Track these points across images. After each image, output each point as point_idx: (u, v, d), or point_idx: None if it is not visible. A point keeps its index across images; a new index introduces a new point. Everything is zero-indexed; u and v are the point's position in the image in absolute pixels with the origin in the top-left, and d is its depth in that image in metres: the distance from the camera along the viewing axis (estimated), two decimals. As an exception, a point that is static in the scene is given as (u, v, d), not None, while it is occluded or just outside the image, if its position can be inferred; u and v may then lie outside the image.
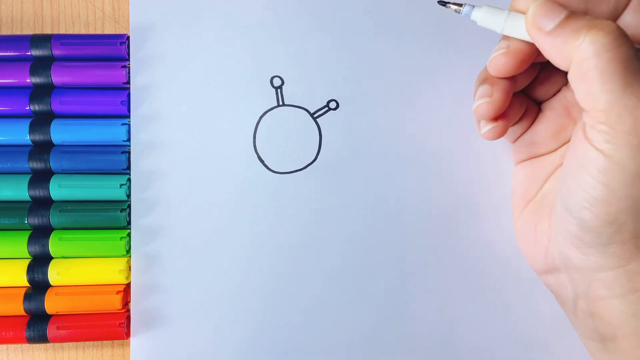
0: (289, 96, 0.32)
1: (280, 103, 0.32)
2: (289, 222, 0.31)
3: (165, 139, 0.31)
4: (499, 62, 0.25)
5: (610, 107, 0.21)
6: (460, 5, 0.24)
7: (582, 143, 0.22)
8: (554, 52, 0.22)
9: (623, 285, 0.23)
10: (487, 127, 0.27)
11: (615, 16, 0.24)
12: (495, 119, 0.27)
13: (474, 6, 0.24)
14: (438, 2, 0.25)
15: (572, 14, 0.22)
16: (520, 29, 0.23)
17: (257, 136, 0.32)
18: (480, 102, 0.26)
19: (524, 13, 0.23)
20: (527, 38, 0.23)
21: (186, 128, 0.31)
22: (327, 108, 0.32)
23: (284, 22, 0.32)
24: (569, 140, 0.28)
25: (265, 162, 0.31)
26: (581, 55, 0.21)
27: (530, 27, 0.23)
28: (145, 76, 0.31)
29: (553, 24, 0.22)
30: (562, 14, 0.22)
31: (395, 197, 0.31)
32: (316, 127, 0.32)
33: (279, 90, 0.32)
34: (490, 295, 0.31)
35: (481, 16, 0.24)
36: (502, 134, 0.27)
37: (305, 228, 0.31)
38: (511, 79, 0.26)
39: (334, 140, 0.32)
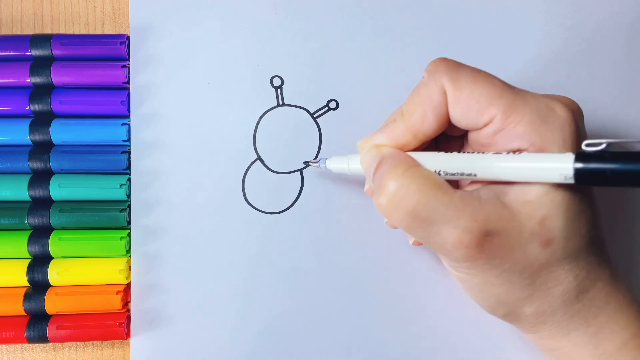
0: (289, 96, 0.32)
1: (280, 103, 0.32)
2: (288, 221, 0.31)
3: (165, 139, 0.31)
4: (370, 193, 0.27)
5: (429, 245, 0.23)
6: (317, 161, 0.29)
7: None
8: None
9: (541, 346, 0.25)
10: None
11: (441, 120, 0.24)
12: None
13: (326, 159, 0.29)
14: (303, 162, 0.31)
15: (377, 169, 0.24)
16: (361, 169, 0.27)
17: (257, 136, 0.32)
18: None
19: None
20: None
21: (186, 128, 0.31)
22: (327, 108, 0.32)
23: (284, 22, 0.32)
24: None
25: (265, 162, 0.31)
26: (383, 214, 0.23)
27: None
28: (145, 76, 0.31)
29: (370, 174, 0.24)
30: (373, 165, 0.24)
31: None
32: (316, 127, 0.32)
33: (279, 90, 0.32)
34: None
35: (331, 165, 0.28)
36: None
37: (305, 227, 0.31)
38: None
39: (334, 140, 0.32)
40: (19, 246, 0.30)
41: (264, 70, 0.32)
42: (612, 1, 0.33)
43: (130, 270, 0.31)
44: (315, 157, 0.31)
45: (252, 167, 0.31)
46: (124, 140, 0.31)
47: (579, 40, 0.32)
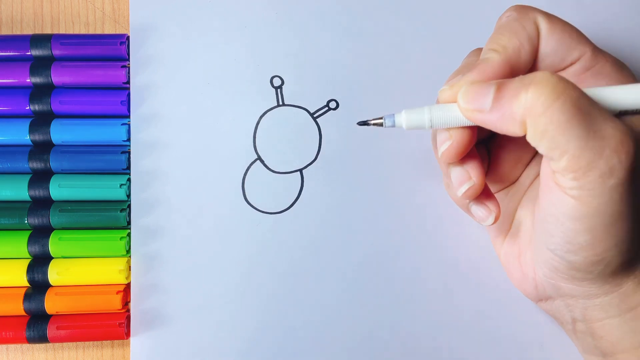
0: (289, 96, 0.32)
1: (280, 103, 0.32)
2: (288, 221, 0.31)
3: (165, 139, 0.31)
4: (451, 154, 0.24)
5: (579, 154, 0.20)
6: (380, 118, 0.24)
7: (556, 191, 0.22)
8: (502, 124, 0.21)
9: (618, 306, 0.24)
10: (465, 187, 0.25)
11: (534, 54, 0.24)
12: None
13: (393, 114, 0.24)
14: (357, 123, 0.25)
15: (501, 83, 0.21)
16: (448, 118, 0.23)
17: (257, 136, 0.31)
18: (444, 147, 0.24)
19: (444, 103, 0.23)
20: (459, 123, 0.23)
21: (186, 128, 0.31)
22: (327, 108, 0.32)
23: (284, 22, 0.32)
24: (529, 162, 0.27)
25: (265, 162, 0.31)
26: (532, 114, 0.20)
27: (469, 113, 0.22)
28: (145, 76, 0.31)
29: (489, 100, 0.21)
30: (492, 88, 0.21)
31: (396, 196, 0.31)
32: (316, 127, 0.32)
33: (279, 90, 0.32)
34: (490, 297, 0.31)
35: (405, 121, 0.23)
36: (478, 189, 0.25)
37: (305, 227, 0.31)
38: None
39: (334, 140, 0.32)
40: (19, 246, 0.30)
41: (264, 70, 0.32)
42: (614, 2, 0.33)
43: (130, 270, 0.31)
44: (315, 157, 0.31)
45: (252, 167, 0.31)
46: (124, 140, 0.31)
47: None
